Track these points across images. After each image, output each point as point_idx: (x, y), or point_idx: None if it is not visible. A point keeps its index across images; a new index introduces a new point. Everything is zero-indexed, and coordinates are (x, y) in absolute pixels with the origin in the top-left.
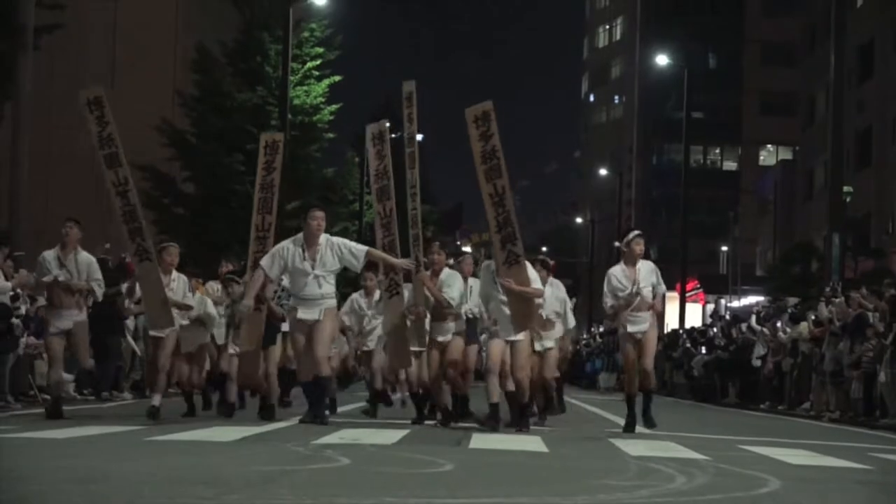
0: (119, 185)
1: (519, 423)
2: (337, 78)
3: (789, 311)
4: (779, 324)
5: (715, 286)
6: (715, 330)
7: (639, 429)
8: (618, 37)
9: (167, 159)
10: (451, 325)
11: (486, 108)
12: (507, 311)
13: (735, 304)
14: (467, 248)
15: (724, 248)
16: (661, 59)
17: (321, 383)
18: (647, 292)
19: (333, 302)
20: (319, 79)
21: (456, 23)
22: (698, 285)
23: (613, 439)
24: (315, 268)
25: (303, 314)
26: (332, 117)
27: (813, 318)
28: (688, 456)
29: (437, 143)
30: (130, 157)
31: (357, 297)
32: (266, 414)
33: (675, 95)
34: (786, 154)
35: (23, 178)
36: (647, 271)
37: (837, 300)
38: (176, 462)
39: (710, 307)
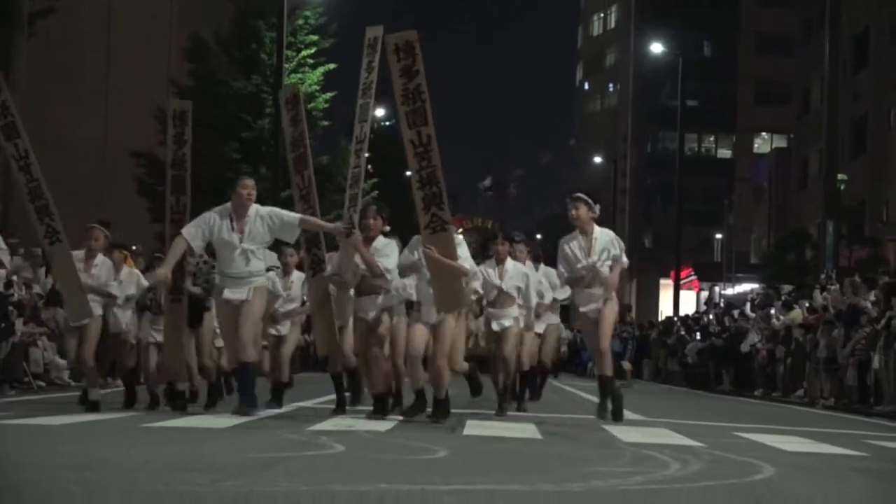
0: (20, 158)
1: (436, 414)
2: (332, 66)
3: (782, 298)
4: (772, 311)
5: (709, 274)
6: (710, 317)
7: (630, 415)
8: (612, 25)
9: (162, 146)
10: (378, 300)
11: (409, 37)
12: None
13: (729, 291)
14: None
15: (719, 236)
16: (656, 48)
17: (246, 370)
18: (604, 266)
19: (264, 280)
20: (314, 67)
21: (451, 10)
22: (693, 273)
23: (607, 426)
24: (243, 241)
25: (229, 293)
26: (326, 105)
27: (807, 305)
28: (682, 443)
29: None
30: (126, 144)
31: (273, 275)
32: (177, 404)
33: (670, 84)
34: (780, 142)
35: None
36: (605, 241)
37: (832, 287)
38: (171, 449)
39: (705, 295)
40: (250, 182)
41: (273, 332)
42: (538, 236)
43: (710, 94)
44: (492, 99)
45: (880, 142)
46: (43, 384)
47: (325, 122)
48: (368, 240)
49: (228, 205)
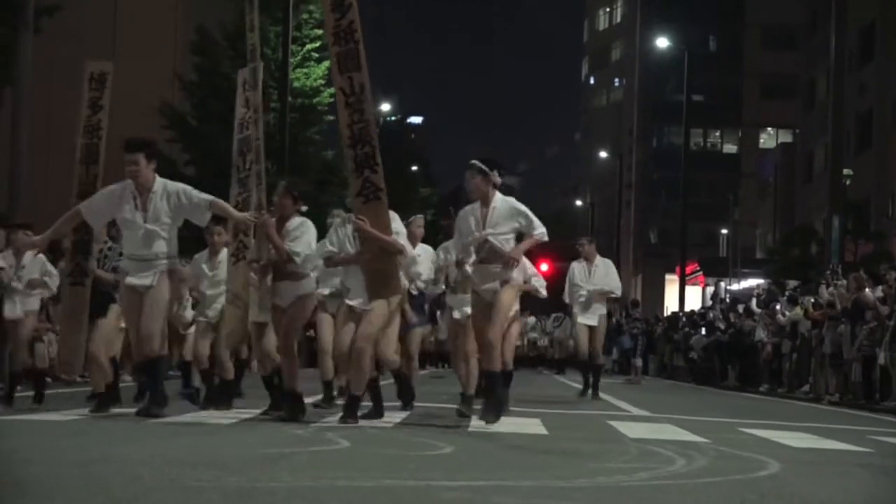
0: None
1: (345, 413)
2: None
3: (787, 293)
4: (778, 306)
5: (715, 269)
6: (715, 312)
7: (635, 411)
8: (618, 19)
9: (167, 141)
10: (295, 285)
11: None
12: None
13: (735, 286)
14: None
15: (724, 231)
16: (662, 42)
17: (154, 366)
18: (500, 240)
19: (172, 263)
20: (319, 61)
21: (455, 3)
22: (698, 268)
23: (613, 422)
24: (147, 220)
25: (132, 279)
26: (331, 100)
27: (812, 301)
28: (687, 438)
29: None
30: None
31: (199, 257)
32: (99, 406)
33: (676, 78)
34: (786, 137)
35: (23, 161)
36: (504, 211)
37: (839, 283)
38: (175, 444)
39: (710, 290)
40: (131, 157)
41: (202, 319)
42: None
43: (715, 88)
44: (497, 92)
45: (886, 136)
46: (49, 380)
47: (331, 117)
48: (281, 220)
49: (131, 180)
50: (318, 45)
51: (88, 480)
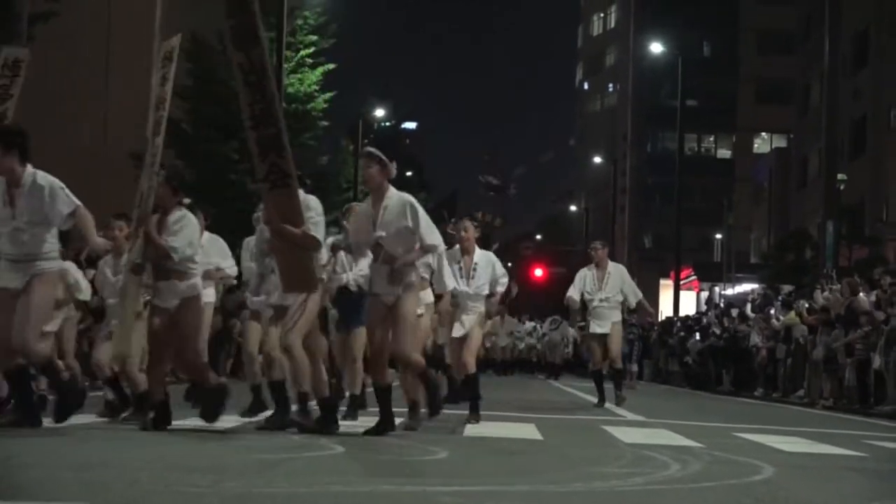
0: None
1: (270, 421)
2: (331, 66)
3: (780, 298)
4: (772, 311)
5: (709, 274)
6: (709, 317)
7: (630, 416)
8: (612, 24)
9: (166, 148)
10: (177, 286)
11: None
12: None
13: (729, 291)
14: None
15: (719, 236)
16: (656, 47)
17: (20, 375)
18: (387, 241)
19: (49, 265)
20: (313, 67)
21: (450, 9)
22: (692, 273)
23: (608, 427)
24: (15, 217)
25: (4, 280)
26: (326, 105)
27: (807, 306)
28: (682, 443)
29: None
30: (125, 146)
31: (104, 261)
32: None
33: (670, 83)
34: (780, 142)
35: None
36: (396, 208)
37: (834, 287)
38: (173, 449)
39: (705, 295)
40: None
41: (107, 328)
42: (538, 236)
43: (709, 93)
44: (491, 98)
45: (880, 141)
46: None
47: (325, 123)
48: (163, 213)
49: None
50: (311, 50)
51: (87, 485)
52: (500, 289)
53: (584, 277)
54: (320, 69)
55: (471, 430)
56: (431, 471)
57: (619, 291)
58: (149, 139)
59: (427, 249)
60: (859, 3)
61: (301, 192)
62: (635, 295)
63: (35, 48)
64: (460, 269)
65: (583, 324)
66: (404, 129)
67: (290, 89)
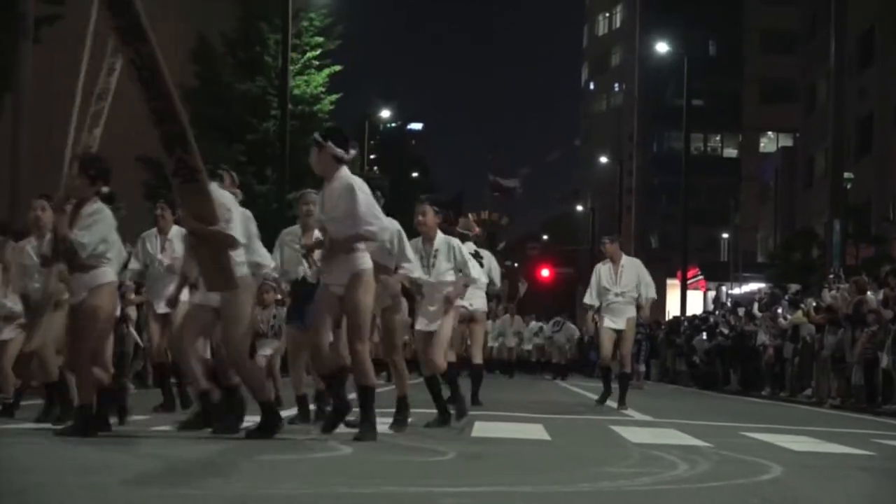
0: None
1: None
2: (337, 67)
3: (787, 297)
4: (779, 310)
5: (716, 273)
6: (717, 313)
7: (638, 415)
8: (617, 24)
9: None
10: (87, 277)
11: None
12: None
13: (736, 291)
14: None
15: (725, 236)
16: (661, 47)
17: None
18: (330, 226)
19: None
20: (319, 68)
21: (455, 9)
22: (699, 273)
23: (615, 427)
24: None
25: None
26: (332, 107)
27: (814, 305)
28: (690, 443)
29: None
30: (131, 148)
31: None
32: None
33: (675, 83)
34: (786, 141)
35: (23, 168)
36: (339, 191)
37: (842, 286)
38: (178, 451)
39: (712, 294)
40: None
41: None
42: (544, 237)
43: (715, 93)
44: (497, 98)
45: (886, 140)
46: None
47: (331, 125)
48: (78, 204)
49: None
50: (318, 52)
51: (90, 489)
52: (468, 282)
53: (599, 272)
54: (326, 71)
55: (478, 430)
56: (438, 472)
57: (635, 287)
58: (73, 130)
59: (365, 236)
60: (864, 3)
61: (216, 189)
62: (647, 289)
63: (40, 51)
64: (421, 257)
65: (596, 317)
66: (410, 129)
67: (297, 91)
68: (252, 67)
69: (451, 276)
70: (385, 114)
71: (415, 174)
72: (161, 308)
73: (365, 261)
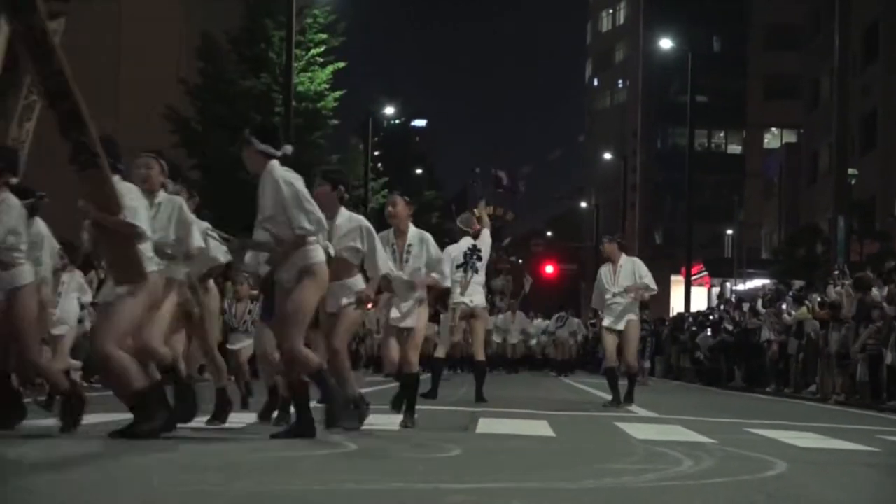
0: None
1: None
2: (341, 64)
3: (791, 293)
4: (784, 306)
5: (720, 270)
6: (722, 308)
7: (642, 412)
8: (621, 21)
9: (172, 147)
10: (5, 276)
11: None
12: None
13: (740, 287)
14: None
15: (729, 232)
16: (665, 43)
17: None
18: (270, 224)
19: None
20: (323, 65)
21: (458, 6)
22: (703, 269)
23: (620, 423)
24: None
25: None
26: (336, 104)
27: (818, 300)
28: (694, 439)
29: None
30: (137, 143)
31: None
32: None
33: (679, 79)
34: (790, 137)
35: (26, 167)
36: (267, 184)
37: (846, 283)
38: (185, 449)
39: (716, 291)
40: None
41: None
42: (548, 233)
43: (719, 89)
44: (501, 95)
45: (890, 136)
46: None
47: (335, 121)
48: None
49: None
50: (322, 49)
51: (99, 486)
52: (437, 276)
53: (601, 274)
54: (330, 67)
55: (483, 427)
56: (444, 468)
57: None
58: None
59: (299, 243)
60: None
61: (118, 179)
62: (648, 283)
63: None
64: (393, 251)
65: (593, 321)
66: (414, 126)
67: (301, 88)
68: (256, 64)
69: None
70: (389, 111)
71: (418, 171)
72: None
73: (315, 254)
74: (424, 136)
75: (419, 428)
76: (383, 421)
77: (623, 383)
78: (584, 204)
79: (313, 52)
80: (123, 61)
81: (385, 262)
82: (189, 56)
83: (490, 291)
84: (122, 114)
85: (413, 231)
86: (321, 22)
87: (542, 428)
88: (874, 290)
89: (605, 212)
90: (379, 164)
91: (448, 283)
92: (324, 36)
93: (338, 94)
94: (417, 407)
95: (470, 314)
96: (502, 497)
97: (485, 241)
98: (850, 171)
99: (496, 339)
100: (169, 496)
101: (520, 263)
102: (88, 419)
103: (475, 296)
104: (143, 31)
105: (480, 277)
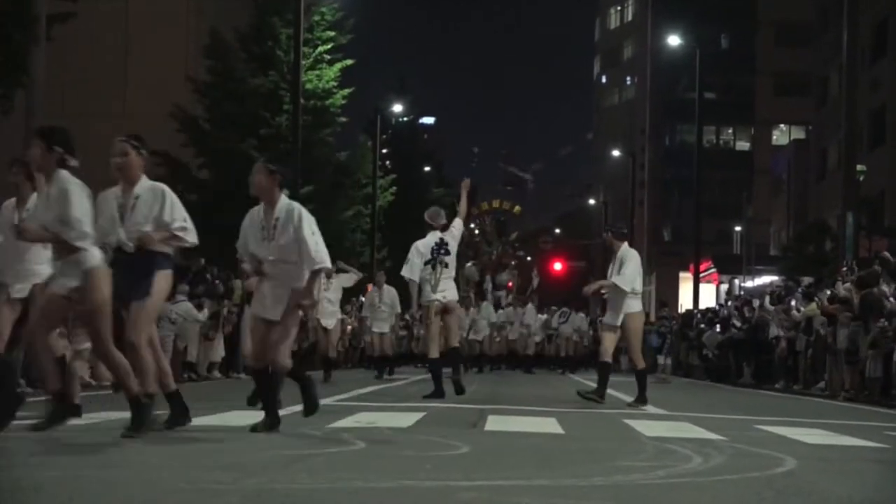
0: None
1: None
2: (349, 62)
3: (800, 290)
4: (793, 302)
5: (728, 266)
6: (730, 304)
7: (652, 409)
8: (629, 18)
9: (181, 146)
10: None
11: None
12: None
13: (749, 284)
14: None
15: (738, 229)
16: (673, 40)
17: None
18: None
19: None
20: (331, 63)
21: (467, 4)
22: (712, 266)
23: (629, 420)
24: None
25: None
26: (344, 101)
27: (828, 293)
28: (704, 436)
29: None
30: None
31: None
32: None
33: (688, 76)
34: (798, 134)
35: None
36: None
37: (855, 279)
38: (193, 447)
39: (724, 287)
40: None
41: None
42: (557, 230)
43: (727, 86)
44: (509, 93)
45: None
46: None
47: (344, 119)
48: None
49: None
50: (329, 46)
51: (107, 484)
52: (320, 266)
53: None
54: (338, 65)
55: (492, 424)
56: (453, 466)
57: (630, 279)
58: None
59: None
60: None
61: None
62: (619, 278)
63: (53, 47)
64: (262, 227)
65: (601, 318)
66: (422, 124)
67: (309, 86)
68: (265, 62)
69: (296, 255)
70: (397, 108)
71: (427, 168)
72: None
73: (92, 257)
74: (433, 134)
75: (428, 425)
76: (392, 418)
77: (630, 380)
78: (592, 201)
79: (321, 49)
80: (131, 60)
81: (321, 255)
82: (197, 54)
83: (494, 286)
84: (131, 112)
85: (283, 202)
86: (329, 19)
87: (550, 425)
88: (883, 286)
89: (613, 209)
90: (387, 162)
91: (328, 264)
92: (332, 33)
93: (346, 91)
94: (426, 404)
95: (443, 309)
96: (512, 494)
97: (453, 233)
98: (859, 167)
99: (496, 335)
100: (177, 494)
101: (528, 260)
102: (92, 417)
103: (447, 291)
104: (151, 30)
105: (451, 271)
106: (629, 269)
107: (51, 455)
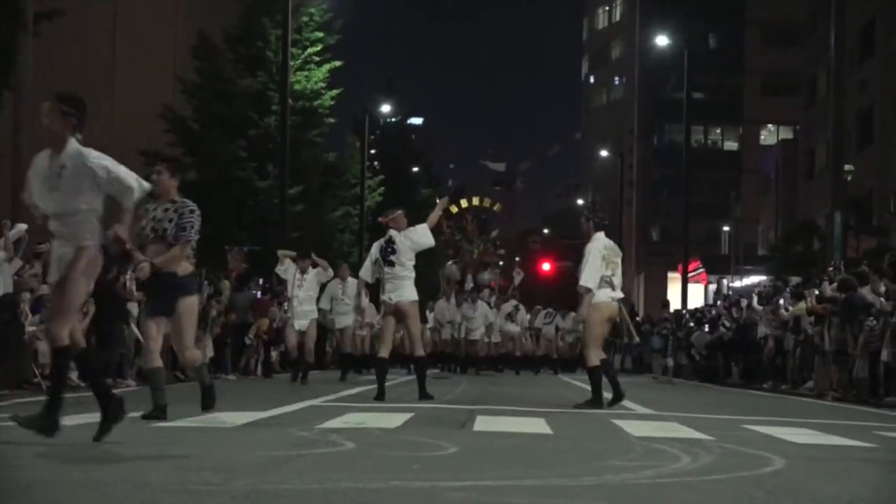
0: None
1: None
2: (337, 63)
3: (789, 289)
4: (781, 301)
5: (717, 266)
6: (719, 304)
7: (640, 409)
8: (617, 17)
9: (169, 146)
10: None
11: None
12: None
13: (737, 283)
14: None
15: (726, 229)
16: (661, 40)
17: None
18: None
19: None
20: (320, 64)
21: (455, 4)
22: (700, 266)
23: (617, 420)
24: None
25: None
26: (332, 102)
27: (816, 293)
28: (692, 436)
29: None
30: (132, 142)
31: None
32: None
33: (676, 76)
34: (787, 133)
35: (24, 167)
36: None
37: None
38: (182, 448)
39: (713, 287)
40: None
41: None
42: (545, 231)
43: (715, 86)
44: (498, 92)
45: (887, 132)
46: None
47: (332, 120)
48: None
49: None
50: (318, 48)
51: (96, 485)
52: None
53: None
54: (326, 66)
55: (481, 424)
56: (442, 466)
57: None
58: None
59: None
60: None
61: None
62: (591, 279)
63: (41, 46)
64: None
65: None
66: (410, 124)
67: (297, 86)
68: (253, 63)
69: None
70: (385, 109)
71: (415, 169)
72: None
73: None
74: (421, 134)
75: (416, 426)
76: (381, 419)
77: (631, 380)
78: (580, 201)
79: (310, 50)
80: (120, 60)
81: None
82: (186, 55)
83: (476, 285)
84: (118, 113)
85: (72, 148)
86: (317, 20)
87: (539, 425)
88: (865, 289)
89: (601, 209)
90: (375, 163)
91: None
92: (320, 34)
93: (334, 92)
94: (415, 405)
95: (394, 311)
96: (501, 494)
97: (409, 235)
98: (847, 167)
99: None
100: (166, 494)
101: (516, 260)
102: (83, 418)
103: (395, 292)
104: (140, 30)
105: (401, 271)
106: (587, 267)
107: (39, 457)
